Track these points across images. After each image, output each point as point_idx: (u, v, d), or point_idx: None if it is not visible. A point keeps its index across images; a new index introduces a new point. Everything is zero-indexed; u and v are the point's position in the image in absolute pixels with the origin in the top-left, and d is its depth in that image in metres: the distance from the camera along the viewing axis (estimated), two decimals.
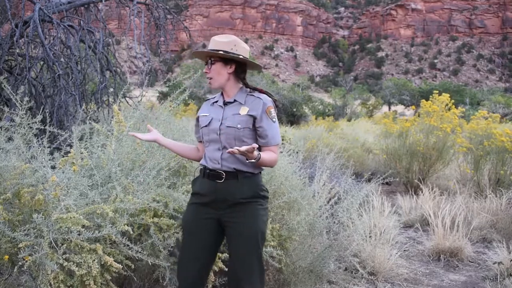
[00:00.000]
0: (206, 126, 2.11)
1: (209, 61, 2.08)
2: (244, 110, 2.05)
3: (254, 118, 2.04)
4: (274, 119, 2.08)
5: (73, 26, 5.19)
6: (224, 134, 2.05)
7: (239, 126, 2.03)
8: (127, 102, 5.46)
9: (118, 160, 2.52)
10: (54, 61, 4.59)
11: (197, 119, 2.22)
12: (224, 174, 2.03)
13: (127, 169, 2.58)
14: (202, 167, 2.13)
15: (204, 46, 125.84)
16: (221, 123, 2.06)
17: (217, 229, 2.09)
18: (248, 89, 2.13)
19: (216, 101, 2.16)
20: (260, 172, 2.13)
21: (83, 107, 4.41)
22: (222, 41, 2.06)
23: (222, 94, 2.17)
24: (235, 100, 2.10)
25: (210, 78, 2.09)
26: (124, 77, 6.03)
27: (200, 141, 2.24)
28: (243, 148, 1.87)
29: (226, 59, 2.07)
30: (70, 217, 1.99)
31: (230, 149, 1.90)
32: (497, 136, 5.95)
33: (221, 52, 2.04)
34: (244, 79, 2.14)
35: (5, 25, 5.58)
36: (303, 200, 3.01)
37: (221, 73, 2.08)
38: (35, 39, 4.85)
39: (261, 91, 2.13)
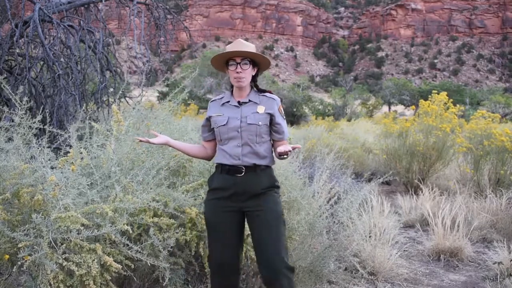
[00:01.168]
0: (224, 125, 2.24)
1: (241, 61, 2.21)
2: (261, 109, 2.25)
3: (271, 116, 2.25)
4: (284, 116, 2.34)
5: (73, 26, 5.19)
6: (245, 131, 2.21)
7: (260, 123, 2.22)
8: (127, 102, 5.46)
9: (118, 160, 2.52)
10: (54, 61, 4.59)
11: (208, 120, 2.34)
12: (244, 168, 2.20)
13: (126, 169, 2.57)
14: (219, 164, 2.25)
15: (204, 46, 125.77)
16: (241, 121, 2.22)
17: (240, 219, 2.25)
18: (257, 90, 2.32)
19: (227, 101, 2.30)
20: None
21: (83, 107, 4.41)
22: (252, 46, 2.25)
23: (232, 94, 2.32)
24: (249, 100, 2.27)
25: (242, 78, 2.22)
26: (124, 77, 6.03)
27: (207, 141, 2.39)
28: (292, 147, 2.09)
29: (254, 62, 2.26)
30: (69, 216, 1.99)
31: (284, 150, 2.07)
32: (497, 136, 5.95)
33: (265, 57, 2.25)
34: (257, 81, 2.36)
35: (5, 25, 5.58)
36: (303, 199, 3.01)
37: (250, 75, 2.27)
38: (35, 39, 4.85)
39: (270, 92, 2.32)
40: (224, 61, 2.28)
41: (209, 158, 2.45)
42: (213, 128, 2.31)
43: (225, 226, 2.22)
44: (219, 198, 2.23)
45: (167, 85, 22.51)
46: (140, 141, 2.29)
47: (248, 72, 2.23)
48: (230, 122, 2.23)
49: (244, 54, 2.21)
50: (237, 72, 2.21)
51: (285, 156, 2.13)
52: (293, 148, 2.09)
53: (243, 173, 2.19)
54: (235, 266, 2.26)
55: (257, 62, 2.29)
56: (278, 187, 2.30)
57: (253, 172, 2.20)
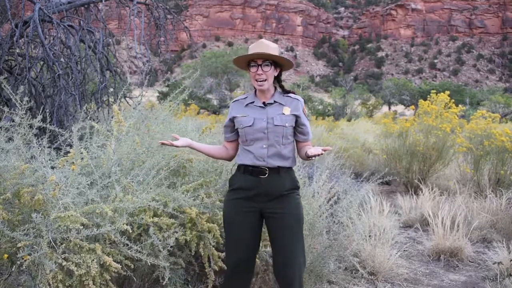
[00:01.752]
0: (250, 126, 2.23)
1: (263, 63, 2.20)
2: (287, 110, 2.24)
3: (297, 117, 2.25)
4: (308, 118, 2.35)
5: (73, 26, 5.19)
6: (272, 132, 2.21)
7: (286, 124, 2.22)
8: (127, 102, 5.46)
9: (118, 160, 2.52)
10: (54, 61, 4.59)
11: (231, 120, 2.33)
12: (267, 170, 2.19)
13: (126, 169, 2.57)
14: (241, 165, 2.25)
15: (204, 46, 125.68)
16: (267, 122, 2.21)
17: (259, 220, 2.26)
18: (281, 91, 2.31)
19: (251, 102, 2.29)
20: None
21: (83, 107, 4.41)
22: (274, 47, 2.23)
23: (255, 95, 2.30)
24: (274, 101, 2.27)
25: (264, 80, 2.21)
26: (124, 77, 6.03)
27: (230, 141, 2.39)
28: (323, 149, 2.08)
29: (276, 63, 2.24)
30: (69, 216, 1.99)
31: (314, 153, 2.06)
32: (497, 136, 5.95)
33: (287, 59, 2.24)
34: (281, 82, 2.33)
35: (5, 25, 5.58)
36: (302, 199, 3.00)
37: (271, 76, 2.25)
38: (35, 39, 4.85)
39: (293, 93, 2.33)
40: (246, 62, 2.27)
41: (230, 159, 2.44)
42: (236, 128, 2.31)
43: (245, 227, 2.22)
44: (240, 198, 2.23)
45: (167, 86, 22.54)
46: (163, 144, 2.28)
47: (269, 74, 2.22)
48: (256, 123, 2.22)
49: (265, 57, 2.19)
50: (258, 74, 2.20)
51: (314, 158, 2.13)
52: (324, 150, 2.09)
53: (266, 175, 2.19)
54: (251, 267, 2.29)
55: (279, 63, 2.27)
56: (299, 187, 2.31)
57: (277, 174, 2.20)
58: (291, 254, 2.17)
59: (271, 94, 2.28)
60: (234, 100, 2.38)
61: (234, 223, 2.25)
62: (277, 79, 2.31)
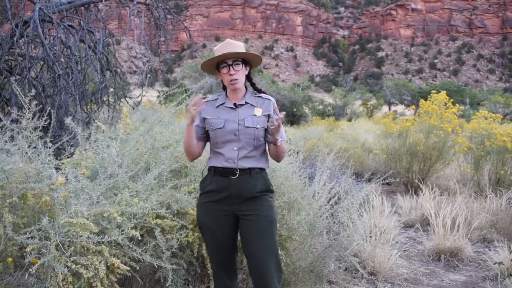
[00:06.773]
0: (221, 128, 2.17)
1: (233, 63, 2.15)
2: (258, 112, 2.19)
3: (268, 117, 2.20)
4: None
5: (73, 26, 5.20)
6: (243, 134, 2.16)
7: (258, 126, 2.17)
8: (127, 102, 5.46)
9: (125, 164, 2.51)
10: (54, 61, 4.59)
11: (202, 120, 2.24)
12: (238, 170, 2.15)
13: (130, 170, 2.57)
14: (211, 167, 2.21)
15: (204, 46, 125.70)
16: (238, 124, 2.16)
17: (233, 222, 2.21)
18: (253, 91, 2.26)
19: (222, 103, 2.23)
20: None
21: (83, 107, 4.41)
22: (241, 45, 2.19)
23: (226, 96, 2.25)
24: (246, 102, 2.21)
25: (236, 80, 2.16)
26: (124, 77, 6.03)
27: (198, 141, 2.26)
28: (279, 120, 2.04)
29: (245, 61, 2.20)
30: (80, 223, 1.97)
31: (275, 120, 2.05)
32: (498, 136, 5.95)
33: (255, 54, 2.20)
34: (252, 80, 2.29)
35: (5, 25, 5.58)
36: (303, 200, 3.01)
37: (243, 75, 2.21)
38: (35, 39, 4.85)
39: (264, 93, 2.27)
40: (215, 65, 2.21)
41: (196, 158, 2.32)
42: (207, 130, 2.24)
43: (219, 229, 2.19)
44: (212, 201, 2.19)
45: (167, 86, 22.54)
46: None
47: (241, 72, 2.17)
48: (227, 125, 2.16)
49: (236, 56, 2.15)
50: (231, 74, 2.15)
51: (273, 127, 2.05)
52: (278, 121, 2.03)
53: (237, 175, 2.14)
54: (232, 266, 2.28)
55: (248, 60, 2.23)
56: (272, 191, 2.25)
57: (248, 174, 2.15)
58: (262, 260, 2.11)
59: (242, 94, 2.22)
60: (205, 100, 2.26)
61: (204, 227, 2.22)
62: (248, 78, 2.26)
